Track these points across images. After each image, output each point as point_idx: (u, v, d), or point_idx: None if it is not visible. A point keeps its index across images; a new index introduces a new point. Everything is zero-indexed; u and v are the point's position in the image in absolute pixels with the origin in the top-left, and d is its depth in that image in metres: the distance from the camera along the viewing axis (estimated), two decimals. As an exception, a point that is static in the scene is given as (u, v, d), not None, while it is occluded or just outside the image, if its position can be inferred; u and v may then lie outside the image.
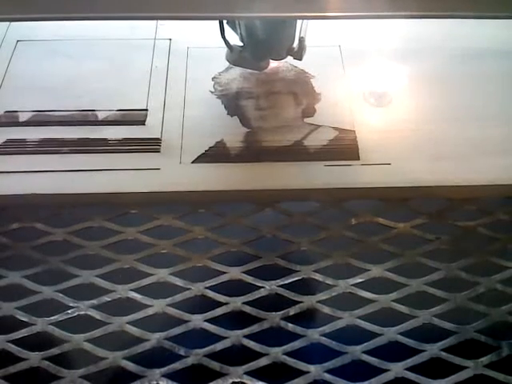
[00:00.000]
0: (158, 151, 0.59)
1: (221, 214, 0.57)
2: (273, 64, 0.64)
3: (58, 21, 0.67)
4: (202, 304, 0.52)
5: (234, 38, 0.61)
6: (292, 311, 0.51)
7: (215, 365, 0.48)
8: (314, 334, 0.50)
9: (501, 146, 0.60)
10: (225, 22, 0.58)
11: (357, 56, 0.67)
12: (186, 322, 0.50)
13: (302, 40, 0.60)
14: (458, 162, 0.58)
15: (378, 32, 0.69)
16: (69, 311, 0.51)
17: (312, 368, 0.48)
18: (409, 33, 0.69)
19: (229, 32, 0.60)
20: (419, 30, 0.69)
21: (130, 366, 0.48)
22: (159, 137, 0.60)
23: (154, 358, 0.49)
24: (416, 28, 0.69)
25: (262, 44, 0.59)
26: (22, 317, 0.51)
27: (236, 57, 0.61)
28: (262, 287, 0.53)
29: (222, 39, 0.58)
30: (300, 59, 0.62)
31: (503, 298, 0.52)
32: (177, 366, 0.48)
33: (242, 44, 0.60)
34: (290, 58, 0.66)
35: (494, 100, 0.63)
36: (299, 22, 0.59)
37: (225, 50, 0.62)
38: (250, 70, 0.65)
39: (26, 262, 0.54)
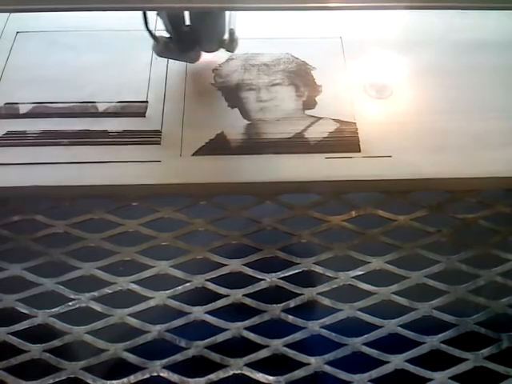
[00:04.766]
0: (159, 143, 0.59)
1: (221, 206, 0.57)
2: (207, 56, 0.64)
3: (58, 12, 0.66)
4: (202, 296, 0.52)
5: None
6: (292, 303, 0.51)
7: (216, 356, 0.48)
8: (315, 326, 0.50)
9: (502, 138, 0.59)
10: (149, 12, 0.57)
11: (358, 48, 0.67)
12: (187, 313, 0.51)
13: (231, 32, 0.59)
14: (459, 155, 0.58)
15: (380, 23, 0.69)
16: (70, 303, 0.51)
17: (312, 360, 0.48)
18: (410, 24, 0.69)
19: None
20: (421, 22, 0.68)
21: (131, 357, 0.48)
22: (159, 129, 0.60)
23: (155, 350, 0.49)
24: (418, 19, 0.69)
25: (188, 35, 0.59)
26: (23, 309, 0.51)
27: (162, 48, 0.60)
28: (263, 279, 0.53)
29: (146, 30, 0.57)
30: (232, 51, 0.61)
31: (503, 291, 0.52)
32: (178, 357, 0.48)
33: (168, 35, 0.59)
34: (288, 50, 0.67)
35: (496, 92, 0.63)
36: (227, 13, 0.58)
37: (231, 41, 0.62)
38: (251, 62, 0.65)
39: (26, 255, 0.54)
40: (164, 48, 0.60)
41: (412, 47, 0.67)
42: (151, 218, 0.56)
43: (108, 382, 0.47)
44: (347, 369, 0.48)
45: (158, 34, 0.59)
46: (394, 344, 0.49)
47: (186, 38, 0.60)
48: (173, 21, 0.58)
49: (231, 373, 0.48)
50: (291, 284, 0.52)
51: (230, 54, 0.65)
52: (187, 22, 0.59)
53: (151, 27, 0.58)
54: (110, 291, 0.52)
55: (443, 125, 0.60)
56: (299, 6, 0.52)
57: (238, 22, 0.59)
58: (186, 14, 0.58)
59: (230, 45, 0.61)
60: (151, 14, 0.57)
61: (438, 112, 0.61)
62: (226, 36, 0.60)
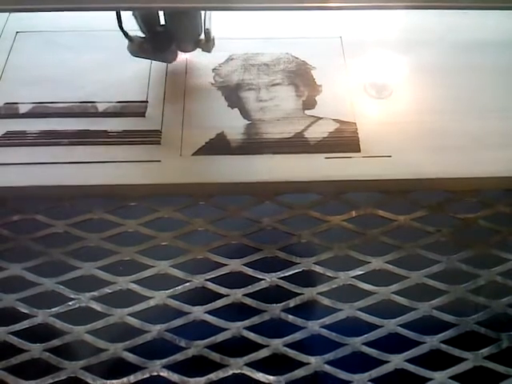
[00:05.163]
0: (159, 143, 0.59)
1: (221, 206, 0.57)
2: (183, 56, 0.64)
3: (58, 11, 0.66)
4: (202, 296, 0.52)
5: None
6: (292, 303, 0.51)
7: (216, 356, 0.48)
8: (315, 326, 0.50)
9: (502, 138, 0.59)
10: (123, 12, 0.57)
11: (358, 47, 0.67)
12: (187, 313, 0.51)
13: (207, 32, 0.59)
14: (459, 154, 0.58)
15: (380, 23, 0.69)
16: (70, 303, 0.51)
17: (312, 359, 0.48)
18: (410, 24, 0.69)
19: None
20: (421, 22, 0.68)
21: (131, 357, 0.48)
22: (159, 129, 0.60)
23: (155, 350, 0.49)
24: (418, 19, 0.69)
25: (163, 35, 0.59)
26: (23, 309, 0.51)
27: (136, 48, 0.60)
28: (263, 279, 0.53)
29: (120, 30, 0.57)
30: (209, 51, 0.61)
31: (503, 290, 0.52)
32: (177, 357, 0.48)
33: (143, 35, 0.59)
34: (288, 50, 0.67)
35: (496, 92, 0.63)
36: (203, 13, 0.58)
37: (229, 41, 0.61)
38: (251, 62, 0.65)
39: (26, 254, 0.54)
40: (138, 48, 0.60)
41: (412, 47, 0.67)
42: (151, 217, 0.56)
43: (108, 381, 0.47)
44: (347, 368, 0.48)
45: (133, 34, 0.59)
46: (393, 344, 0.49)
47: (161, 37, 0.59)
48: (147, 20, 0.58)
49: (231, 372, 0.48)
50: (291, 284, 0.52)
51: (230, 53, 0.65)
52: (162, 22, 0.59)
53: (125, 27, 0.57)
54: (109, 291, 0.52)
55: (443, 125, 0.60)
56: (299, 6, 0.52)
57: (214, 22, 0.59)
58: (161, 13, 0.58)
59: (207, 45, 0.61)
60: (126, 14, 0.57)
61: (438, 112, 0.61)
62: (203, 36, 0.60)
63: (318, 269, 0.53)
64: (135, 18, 0.57)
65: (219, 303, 0.51)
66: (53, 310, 0.51)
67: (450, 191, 0.58)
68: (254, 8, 0.54)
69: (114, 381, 0.47)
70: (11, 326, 0.50)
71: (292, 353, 0.49)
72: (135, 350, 0.49)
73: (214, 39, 0.60)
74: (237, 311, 0.51)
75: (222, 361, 0.48)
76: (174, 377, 0.48)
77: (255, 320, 0.50)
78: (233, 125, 0.61)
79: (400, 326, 0.50)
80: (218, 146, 0.59)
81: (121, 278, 0.53)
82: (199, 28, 0.60)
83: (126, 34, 0.58)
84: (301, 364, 0.48)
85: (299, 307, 0.51)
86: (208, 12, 0.58)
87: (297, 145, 0.59)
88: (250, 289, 0.52)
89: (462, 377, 0.48)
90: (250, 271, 0.53)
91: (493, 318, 0.51)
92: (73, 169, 0.57)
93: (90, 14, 0.68)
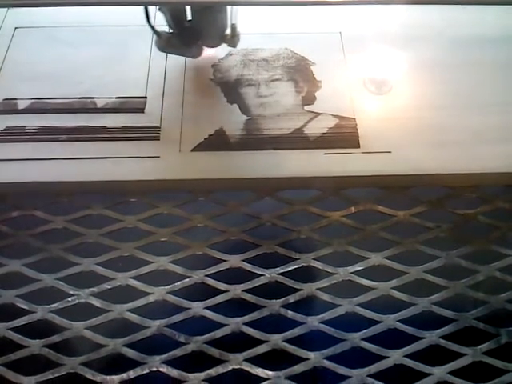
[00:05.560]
0: (158, 139, 0.59)
1: (220, 202, 0.57)
2: (209, 51, 0.64)
3: (56, 7, 0.66)
4: (201, 291, 0.52)
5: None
6: (292, 299, 0.51)
7: (215, 352, 0.48)
8: (314, 322, 0.50)
9: (502, 133, 0.59)
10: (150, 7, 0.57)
11: (358, 43, 0.67)
12: (186, 309, 0.51)
13: (233, 27, 0.59)
14: (458, 150, 0.58)
15: (379, 18, 0.69)
16: (69, 299, 0.51)
17: (312, 355, 0.48)
18: (410, 19, 0.68)
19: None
20: (420, 17, 0.68)
21: (131, 352, 0.48)
22: (158, 124, 0.60)
23: (155, 345, 0.49)
24: (417, 14, 0.68)
25: (190, 30, 0.59)
26: (23, 305, 0.51)
27: (164, 43, 0.60)
28: (262, 275, 0.53)
29: (148, 25, 0.57)
30: (234, 46, 0.61)
31: (502, 286, 0.52)
32: (177, 352, 0.48)
33: (170, 30, 0.60)
34: (288, 45, 0.66)
35: (495, 87, 0.63)
36: (229, 8, 0.58)
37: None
38: (251, 57, 0.65)
39: (25, 250, 0.54)
40: (166, 43, 0.60)
41: (411, 42, 0.66)
42: (150, 213, 0.56)
43: (107, 377, 0.47)
44: (346, 364, 0.48)
45: (159, 29, 0.59)
46: (393, 339, 0.49)
47: (188, 33, 0.59)
48: (175, 16, 0.58)
49: (230, 368, 0.48)
50: (290, 279, 0.52)
51: (229, 49, 0.65)
52: (189, 17, 0.59)
53: (152, 22, 0.58)
54: (109, 287, 0.52)
55: (443, 120, 0.60)
56: (299, 1, 0.52)
57: (239, 16, 0.59)
58: (188, 9, 0.58)
59: (232, 40, 0.61)
60: (152, 9, 0.57)
61: (437, 107, 0.61)
62: (228, 31, 0.60)
63: (318, 264, 0.53)
64: (163, 13, 0.57)
65: (218, 299, 0.51)
66: (52, 305, 0.51)
67: (450, 187, 0.58)
68: (256, 3, 0.54)
69: (113, 376, 0.47)
70: (10, 322, 0.50)
71: (291, 348, 0.49)
72: (135, 346, 0.49)
73: (239, 34, 0.60)
74: (236, 307, 0.51)
75: (222, 356, 0.48)
76: (174, 372, 0.48)
77: (254, 316, 0.50)
78: (232, 120, 0.60)
79: (399, 321, 0.50)
80: (218, 141, 0.59)
81: (120, 273, 0.53)
82: (225, 23, 0.59)
83: (154, 29, 0.58)
84: (300, 359, 0.48)
85: (298, 303, 0.51)
86: (235, 7, 0.58)
87: (296, 140, 0.59)
88: (250, 284, 0.52)
89: (461, 372, 0.48)
90: (249, 267, 0.53)
91: (492, 313, 0.51)
92: (72, 165, 0.57)
93: (89, 10, 0.68)
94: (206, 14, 0.58)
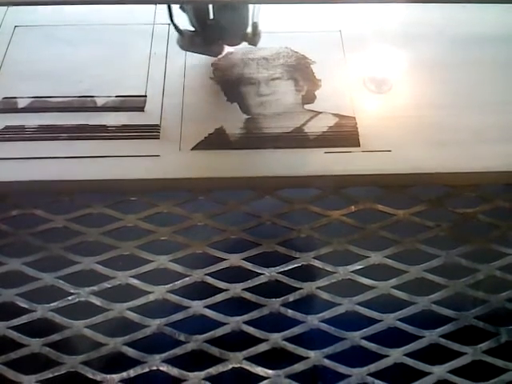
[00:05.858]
0: (158, 138, 0.59)
1: (220, 200, 0.57)
2: (229, 50, 0.64)
3: (56, 5, 0.66)
4: (201, 290, 0.52)
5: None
6: (292, 297, 0.51)
7: (215, 350, 0.48)
8: (314, 320, 0.50)
9: (502, 132, 0.59)
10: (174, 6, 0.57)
11: (357, 41, 0.67)
12: (186, 308, 0.51)
13: (255, 25, 0.59)
14: (458, 149, 0.58)
15: (379, 17, 0.69)
16: (69, 298, 0.51)
17: (312, 354, 0.48)
18: (410, 18, 0.68)
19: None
20: (420, 16, 0.68)
21: (131, 351, 0.48)
22: (158, 123, 0.60)
23: (155, 344, 0.49)
24: (417, 13, 0.68)
25: (212, 29, 0.59)
26: (23, 303, 0.51)
27: (186, 42, 0.60)
28: (262, 274, 0.53)
29: (171, 24, 0.58)
30: (255, 45, 0.61)
31: (502, 285, 0.52)
32: (177, 351, 0.48)
33: (192, 29, 0.60)
34: (288, 44, 0.66)
35: (495, 86, 0.63)
36: (251, 6, 0.58)
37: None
38: (251, 56, 0.65)
39: (25, 249, 0.54)
40: (189, 42, 0.60)
41: (411, 41, 0.66)
42: (150, 212, 0.56)
43: (108, 376, 0.47)
44: (346, 363, 0.48)
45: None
46: (392, 338, 0.49)
47: (210, 31, 0.59)
48: (198, 14, 0.58)
49: (230, 367, 0.48)
50: (290, 278, 0.52)
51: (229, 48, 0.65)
52: (211, 16, 0.59)
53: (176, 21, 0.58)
54: (109, 285, 0.52)
55: (443, 119, 0.60)
56: (300, 0, 0.51)
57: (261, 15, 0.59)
58: (210, 7, 0.58)
59: (253, 38, 0.61)
60: (175, 8, 0.57)
61: (437, 106, 0.61)
62: (249, 29, 0.60)
63: (318, 263, 0.53)
64: (185, 11, 0.57)
65: (219, 297, 0.51)
66: (52, 304, 0.51)
67: (450, 186, 0.58)
68: (257, 1, 0.54)
69: (113, 375, 0.47)
70: (10, 321, 0.50)
71: (291, 347, 0.49)
72: (135, 345, 0.49)
73: (260, 33, 0.60)
74: (236, 305, 0.51)
75: (222, 355, 0.48)
76: (174, 371, 0.48)
77: (254, 314, 0.50)
78: (232, 119, 0.60)
79: (399, 320, 0.50)
80: (218, 140, 0.59)
81: (120, 272, 0.53)
82: (246, 21, 0.59)
83: (177, 27, 0.59)
84: (300, 358, 0.48)
85: (298, 302, 0.51)
86: (257, 5, 0.58)
87: (296, 139, 0.59)
88: (250, 283, 0.52)
89: (460, 371, 0.48)
90: (249, 266, 0.53)
91: (492, 312, 0.51)
92: (72, 163, 0.57)
93: (89, 8, 0.68)
94: (229, 12, 0.58)
